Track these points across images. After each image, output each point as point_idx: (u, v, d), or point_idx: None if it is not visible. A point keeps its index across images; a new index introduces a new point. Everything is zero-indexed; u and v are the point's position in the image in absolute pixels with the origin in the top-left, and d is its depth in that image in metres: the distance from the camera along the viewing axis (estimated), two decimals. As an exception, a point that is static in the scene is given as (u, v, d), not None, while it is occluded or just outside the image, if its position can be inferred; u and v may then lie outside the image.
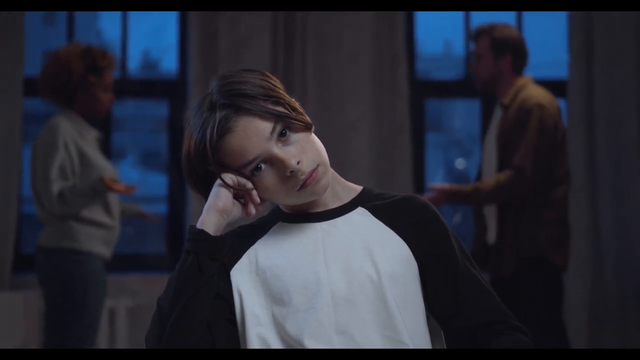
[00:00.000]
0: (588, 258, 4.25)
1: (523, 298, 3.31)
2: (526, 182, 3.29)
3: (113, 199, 3.29)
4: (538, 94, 3.39)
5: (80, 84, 3.25)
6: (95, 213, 3.22)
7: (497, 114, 3.50)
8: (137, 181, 3.54)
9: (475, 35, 3.53)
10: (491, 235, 3.46)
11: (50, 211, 3.16)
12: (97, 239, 3.21)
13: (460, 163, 7.55)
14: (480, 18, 4.18)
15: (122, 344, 4.13)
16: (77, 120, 3.28)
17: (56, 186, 3.13)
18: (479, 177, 3.60)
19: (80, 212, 3.19)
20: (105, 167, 3.28)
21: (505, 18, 3.73)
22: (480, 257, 3.43)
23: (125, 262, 4.40)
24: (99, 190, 3.14)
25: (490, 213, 3.47)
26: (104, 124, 4.23)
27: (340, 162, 4.16)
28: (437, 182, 4.55)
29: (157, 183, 5.31)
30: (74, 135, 3.22)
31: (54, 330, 3.16)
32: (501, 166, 3.38)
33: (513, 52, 3.45)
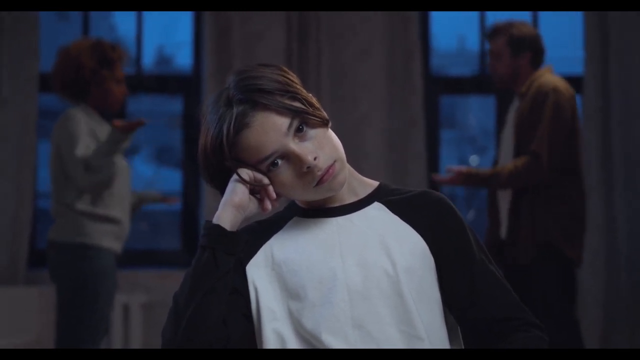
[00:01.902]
0: (602, 255, 4.24)
1: (536, 290, 3.31)
2: (542, 168, 3.27)
3: (125, 193, 3.28)
4: (553, 79, 3.40)
5: (93, 78, 3.25)
6: (106, 208, 3.21)
7: (514, 106, 3.48)
8: (151, 177, 3.52)
9: (491, 34, 3.51)
10: (504, 229, 3.44)
11: (83, 186, 3.15)
12: (108, 233, 3.20)
13: (474, 159, 7.54)
14: (495, 14, 4.16)
15: (135, 339, 4.15)
16: (91, 114, 3.28)
17: (81, 154, 3.12)
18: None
19: (96, 209, 3.18)
20: (117, 161, 3.28)
21: (520, 14, 3.71)
22: (495, 252, 3.42)
23: (139, 257, 4.41)
24: (116, 139, 3.11)
25: (505, 207, 3.45)
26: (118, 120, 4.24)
27: (354, 156, 4.13)
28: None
29: (171, 179, 5.32)
30: (90, 126, 3.22)
31: (65, 324, 3.16)
32: (518, 155, 3.36)
33: (531, 49, 3.44)
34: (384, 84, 4.35)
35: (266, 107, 1.43)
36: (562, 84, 3.38)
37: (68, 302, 3.15)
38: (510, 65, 3.45)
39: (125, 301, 4.13)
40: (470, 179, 3.34)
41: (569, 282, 3.39)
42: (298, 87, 1.48)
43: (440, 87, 4.62)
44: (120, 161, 3.31)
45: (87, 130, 3.19)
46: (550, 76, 3.42)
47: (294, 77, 1.49)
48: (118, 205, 3.25)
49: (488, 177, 3.34)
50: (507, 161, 3.45)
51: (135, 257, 4.31)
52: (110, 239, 3.22)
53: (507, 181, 3.31)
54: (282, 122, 1.44)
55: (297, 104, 1.45)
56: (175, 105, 4.75)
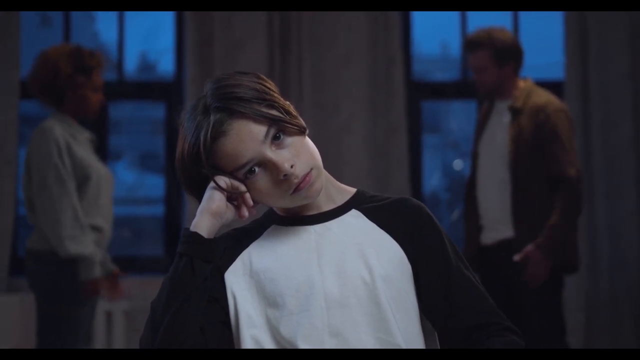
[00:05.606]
0: (583, 260, 4.26)
1: (538, 298, 3.33)
2: (581, 186, 3.31)
3: (107, 201, 3.27)
4: (552, 97, 3.42)
5: (68, 83, 3.23)
6: (87, 216, 3.19)
7: (503, 116, 3.47)
8: (134, 183, 3.49)
9: (472, 47, 3.47)
10: (486, 236, 3.46)
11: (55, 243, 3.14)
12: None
13: (457, 164, 7.57)
14: (477, 19, 4.18)
15: (118, 346, 4.13)
16: (69, 121, 3.25)
17: (68, 230, 3.09)
18: (472, 179, 3.58)
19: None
20: (99, 168, 3.26)
21: (501, 20, 3.73)
22: (473, 257, 3.44)
23: (121, 264, 4.38)
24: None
25: (490, 211, 3.46)
26: (100, 126, 4.23)
27: (336, 163, 4.17)
28: (434, 182, 4.55)
29: (154, 185, 5.31)
30: (66, 138, 3.19)
31: (46, 333, 3.14)
32: (516, 168, 3.36)
33: (514, 58, 3.46)
34: (366, 91, 4.36)
35: (243, 115, 1.44)
36: (560, 103, 3.42)
37: (49, 310, 3.13)
38: (497, 75, 3.45)
39: (108, 308, 4.11)
40: (544, 249, 3.25)
41: (562, 287, 3.44)
42: (275, 95, 1.48)
43: (423, 92, 4.64)
44: (103, 169, 3.30)
45: (63, 145, 3.15)
46: (543, 92, 3.43)
47: (271, 85, 1.50)
48: (100, 213, 3.23)
49: (552, 234, 3.25)
50: (490, 169, 3.45)
51: (118, 263, 4.28)
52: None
53: (566, 223, 3.27)
54: (259, 130, 1.44)
55: (274, 112, 1.46)
56: (158, 111, 4.75)
